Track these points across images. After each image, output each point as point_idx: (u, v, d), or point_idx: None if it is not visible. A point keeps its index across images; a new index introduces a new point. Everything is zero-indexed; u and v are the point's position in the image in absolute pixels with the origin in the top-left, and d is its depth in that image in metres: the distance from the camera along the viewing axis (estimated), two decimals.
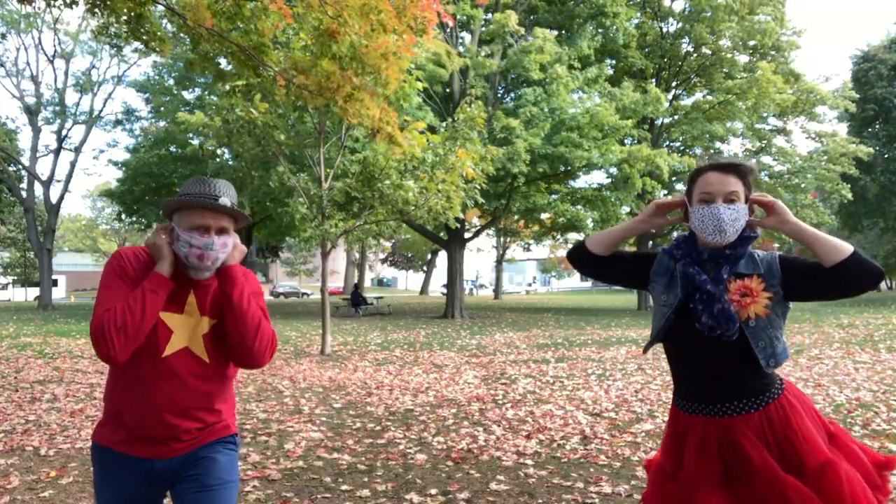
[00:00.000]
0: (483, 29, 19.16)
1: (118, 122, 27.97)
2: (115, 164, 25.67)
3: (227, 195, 1.80)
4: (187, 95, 24.88)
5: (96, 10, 5.54)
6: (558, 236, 28.59)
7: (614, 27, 21.75)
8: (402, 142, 6.86)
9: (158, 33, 6.07)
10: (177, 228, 1.76)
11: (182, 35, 6.16)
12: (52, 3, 5.62)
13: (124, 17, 5.61)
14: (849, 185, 24.21)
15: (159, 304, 1.70)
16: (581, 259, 2.03)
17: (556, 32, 22.14)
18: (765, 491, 1.69)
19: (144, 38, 6.02)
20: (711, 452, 1.80)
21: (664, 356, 8.19)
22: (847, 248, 1.68)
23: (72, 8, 5.77)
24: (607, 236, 1.99)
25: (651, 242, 25.71)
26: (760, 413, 1.79)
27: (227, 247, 1.79)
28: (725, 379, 1.81)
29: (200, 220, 1.74)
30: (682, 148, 25.31)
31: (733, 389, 1.80)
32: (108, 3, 5.35)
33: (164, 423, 1.75)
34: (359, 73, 6.01)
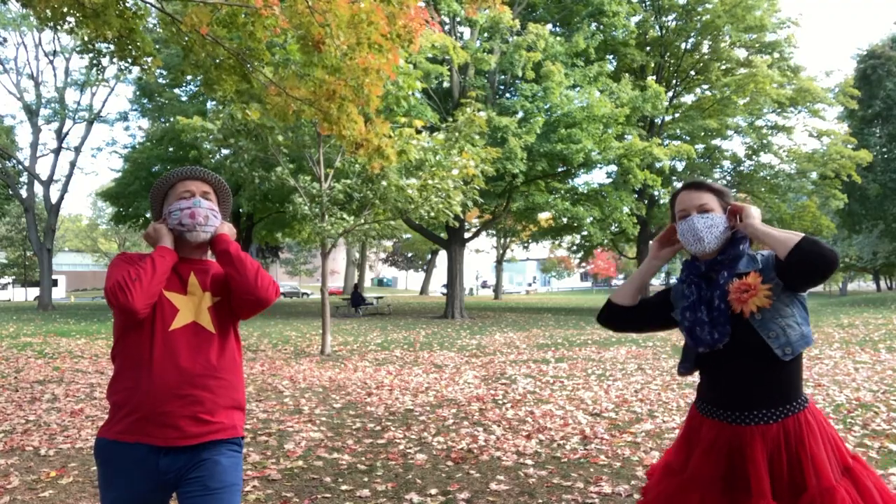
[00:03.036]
0: (482, 22, 19.12)
1: (119, 118, 27.97)
2: (114, 170, 25.71)
3: (203, 168, 2.01)
4: (180, 92, 24.84)
5: (87, 24, 5.46)
6: (558, 238, 28.58)
7: (613, 25, 21.76)
8: (391, 154, 6.75)
9: (148, 49, 6.02)
10: (168, 207, 1.93)
11: (173, 47, 6.10)
12: (43, 17, 5.55)
13: (115, 32, 5.53)
14: (847, 191, 24.20)
15: (167, 267, 1.84)
16: (612, 316, 2.10)
17: (553, 29, 22.12)
18: None
19: (133, 54, 5.96)
20: (720, 457, 1.80)
21: (664, 356, 8.20)
22: (794, 238, 1.75)
23: (57, 29, 5.71)
24: (629, 285, 2.08)
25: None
26: (779, 426, 1.79)
27: (216, 211, 1.95)
28: (745, 385, 1.82)
29: (183, 187, 1.93)
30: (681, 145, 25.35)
31: (751, 397, 1.81)
32: (100, 16, 5.29)
33: (175, 393, 1.79)
34: (344, 81, 5.98)
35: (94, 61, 6.66)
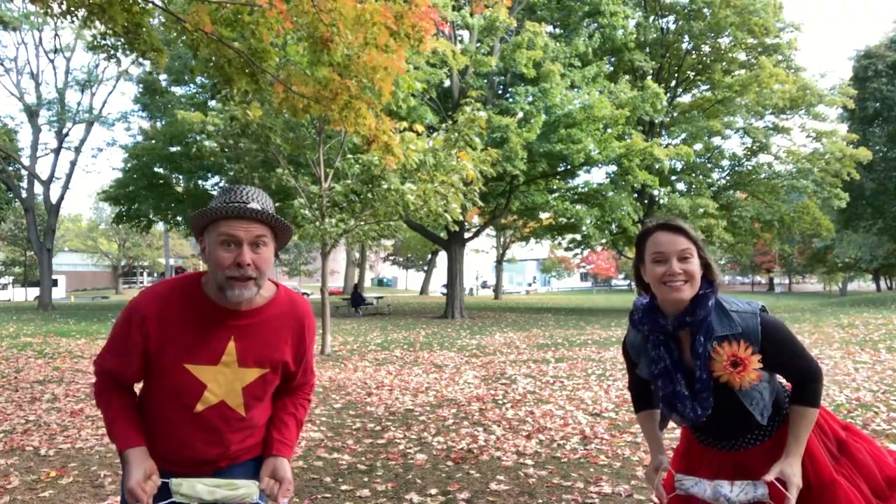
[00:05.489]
0: (480, 23, 19.18)
1: (121, 118, 28.00)
2: (116, 168, 25.76)
3: (258, 201, 1.57)
4: (180, 91, 24.85)
5: (93, 19, 5.50)
6: (558, 236, 28.59)
7: (612, 26, 21.78)
8: (398, 151, 6.82)
9: (155, 44, 6.05)
10: (206, 244, 1.57)
11: (181, 40, 6.12)
12: (50, 12, 5.58)
13: (122, 27, 5.56)
14: (846, 189, 24.22)
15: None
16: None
17: (553, 29, 22.13)
18: None
19: (142, 48, 6.00)
20: (727, 475, 1.80)
21: None
22: (814, 416, 1.74)
23: (66, 18, 5.74)
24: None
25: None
26: (774, 437, 1.80)
27: (267, 261, 1.57)
28: (731, 430, 1.82)
29: (227, 229, 1.51)
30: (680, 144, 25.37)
31: (740, 431, 1.81)
32: (107, 12, 5.32)
33: (195, 460, 1.68)
34: (354, 80, 6.01)
35: (110, 55, 6.69)
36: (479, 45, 19.83)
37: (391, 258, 60.26)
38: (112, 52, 6.56)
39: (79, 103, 28.24)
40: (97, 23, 5.57)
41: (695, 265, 1.72)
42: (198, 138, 11.04)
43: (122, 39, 5.97)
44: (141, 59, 6.50)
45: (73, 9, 5.40)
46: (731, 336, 1.70)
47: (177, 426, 1.64)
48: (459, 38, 21.32)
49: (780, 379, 1.86)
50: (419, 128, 9.60)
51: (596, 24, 22.08)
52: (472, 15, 19.35)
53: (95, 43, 6.42)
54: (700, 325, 1.72)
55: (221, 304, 1.59)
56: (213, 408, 1.61)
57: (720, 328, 1.72)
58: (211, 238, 1.55)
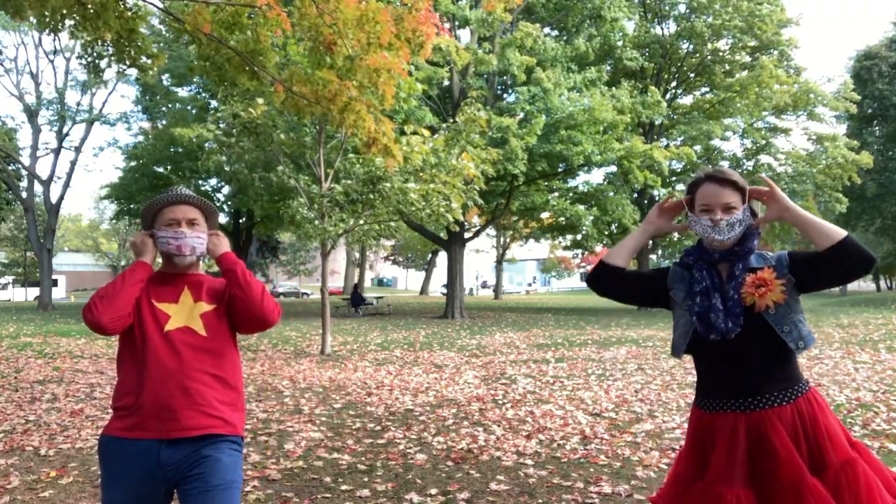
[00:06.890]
0: (478, 15, 19.12)
1: (120, 119, 27.99)
2: (117, 168, 25.83)
3: (188, 192, 2.10)
4: (182, 93, 24.80)
5: (84, 28, 5.45)
6: (558, 236, 28.60)
7: (612, 27, 21.77)
8: (397, 154, 6.81)
9: (148, 49, 6.02)
10: (156, 231, 2.04)
11: (175, 47, 6.12)
12: (40, 23, 5.55)
13: (115, 34, 5.53)
14: (845, 191, 24.22)
15: (136, 278, 1.95)
16: (603, 276, 2.08)
17: (551, 30, 22.10)
18: (785, 490, 1.71)
19: (132, 56, 5.97)
20: (741, 448, 1.81)
21: (664, 356, 8.16)
22: (840, 232, 1.77)
23: (54, 34, 5.72)
24: (622, 247, 2.08)
25: (660, 251, 25.70)
26: (792, 406, 1.81)
27: (202, 238, 2.04)
28: (754, 371, 1.84)
29: (170, 214, 2.02)
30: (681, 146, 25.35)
31: (762, 381, 1.83)
32: (101, 17, 5.29)
33: (174, 388, 1.86)
34: (355, 82, 5.99)
35: (92, 64, 6.63)
36: (479, 45, 19.82)
37: (391, 258, 60.24)
38: (96, 60, 6.50)
39: (78, 103, 28.23)
40: (85, 34, 5.53)
41: (738, 215, 1.88)
42: (197, 139, 11.07)
43: (112, 48, 5.94)
44: (126, 69, 6.45)
45: (64, 15, 5.37)
46: (761, 268, 1.88)
47: (151, 353, 1.89)
48: (457, 37, 21.28)
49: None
50: (425, 132, 9.62)
51: (595, 27, 22.06)
52: (471, 8, 19.27)
53: (84, 50, 6.34)
54: (741, 256, 1.90)
55: (174, 270, 2.07)
56: (179, 330, 1.95)
57: (756, 263, 1.91)
58: (158, 224, 2.04)
